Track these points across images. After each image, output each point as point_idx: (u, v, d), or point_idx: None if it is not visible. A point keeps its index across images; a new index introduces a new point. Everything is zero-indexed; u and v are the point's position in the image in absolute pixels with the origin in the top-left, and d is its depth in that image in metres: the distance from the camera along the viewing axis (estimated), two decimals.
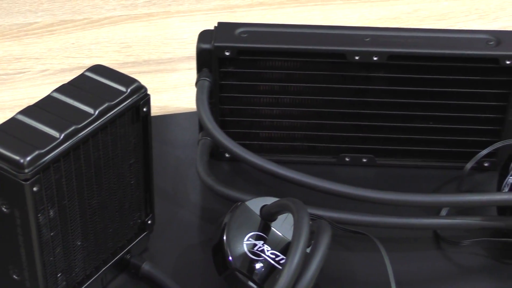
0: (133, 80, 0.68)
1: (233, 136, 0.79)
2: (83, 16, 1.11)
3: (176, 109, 0.96)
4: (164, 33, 1.08)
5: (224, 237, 0.70)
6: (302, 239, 0.63)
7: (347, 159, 0.87)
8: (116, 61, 1.02)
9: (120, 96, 0.66)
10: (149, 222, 0.76)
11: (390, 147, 0.87)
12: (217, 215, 0.75)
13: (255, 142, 0.87)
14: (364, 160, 0.87)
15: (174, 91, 0.98)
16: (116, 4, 1.13)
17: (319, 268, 0.65)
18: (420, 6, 1.14)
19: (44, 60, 1.03)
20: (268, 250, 0.70)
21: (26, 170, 0.60)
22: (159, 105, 0.96)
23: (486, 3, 1.15)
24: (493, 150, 0.83)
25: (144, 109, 0.69)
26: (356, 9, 1.13)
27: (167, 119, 0.94)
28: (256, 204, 0.73)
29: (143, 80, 1.02)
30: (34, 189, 0.61)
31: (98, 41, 1.06)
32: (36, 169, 0.60)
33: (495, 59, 0.80)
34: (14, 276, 0.66)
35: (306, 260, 0.64)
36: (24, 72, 1.01)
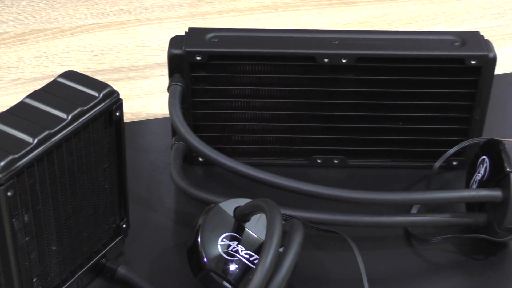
0: (105, 85, 0.69)
1: (206, 140, 0.80)
2: (54, 25, 1.11)
3: (149, 115, 0.96)
4: (135, 41, 1.09)
5: (199, 239, 0.71)
6: (275, 238, 0.64)
7: (318, 161, 0.89)
8: (89, 68, 1.03)
9: (93, 101, 0.67)
10: (124, 226, 0.76)
11: (360, 148, 0.88)
12: (191, 218, 0.76)
13: (228, 146, 0.88)
14: (336, 162, 0.89)
15: (146, 97, 0.99)
16: (87, 13, 1.14)
17: (292, 267, 0.66)
18: (388, 10, 1.16)
19: (16, 69, 1.03)
20: (242, 251, 0.71)
21: (0, 175, 0.60)
22: (132, 111, 0.96)
23: (452, 7, 1.17)
24: (461, 149, 0.85)
25: (117, 114, 0.70)
26: (326, 14, 1.15)
27: (140, 125, 0.95)
28: (229, 206, 0.73)
29: (115, 87, 1.02)
30: (9, 194, 0.61)
31: (70, 50, 1.07)
32: (10, 174, 0.61)
33: (460, 59, 0.82)
34: None
35: (279, 259, 0.65)
36: None
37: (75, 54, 1.06)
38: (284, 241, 0.67)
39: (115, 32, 1.10)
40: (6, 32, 1.10)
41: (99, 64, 1.04)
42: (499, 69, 1.04)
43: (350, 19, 1.14)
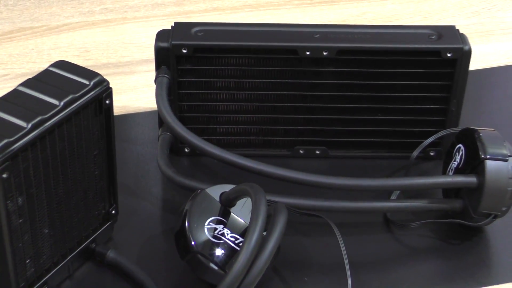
0: (96, 74, 0.71)
1: (193, 132, 0.82)
2: (42, 23, 1.14)
3: (135, 108, 0.99)
4: (121, 38, 1.11)
5: (186, 223, 0.73)
6: (260, 220, 0.67)
7: (301, 152, 0.91)
8: None
9: (84, 89, 0.70)
10: (113, 212, 0.79)
11: (341, 139, 0.91)
12: (178, 206, 0.78)
13: (213, 137, 0.90)
14: (318, 152, 0.91)
15: (133, 92, 1.02)
16: (73, 11, 1.16)
17: (276, 248, 0.68)
18: (367, 9, 1.19)
19: (4, 65, 1.05)
20: (228, 234, 0.74)
21: None
22: (119, 105, 0.98)
23: (429, 5, 1.20)
24: (438, 139, 0.88)
25: (107, 102, 0.72)
26: (307, 13, 1.18)
27: (127, 118, 0.97)
28: (215, 191, 0.76)
29: None
30: (4, 175, 0.63)
31: (57, 47, 1.09)
32: (5, 156, 0.63)
33: (437, 52, 0.85)
34: None
35: (263, 241, 0.67)
36: None
37: (63, 50, 1.08)
38: (268, 225, 0.70)
39: (101, 30, 1.13)
40: None
41: (86, 60, 1.07)
42: (474, 65, 1.07)
43: (331, 18, 1.17)
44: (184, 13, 1.17)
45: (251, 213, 0.68)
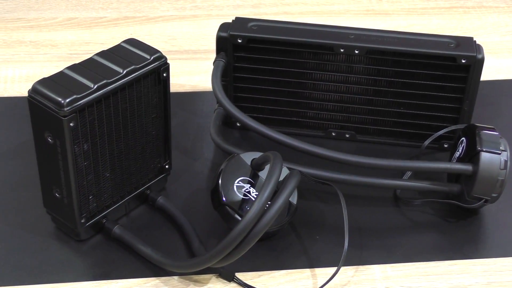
0: (156, 51, 0.75)
1: (244, 110, 0.85)
2: (142, 14, 1.18)
3: (204, 88, 1.02)
4: (204, 31, 1.15)
5: (220, 180, 0.76)
6: (273, 179, 0.68)
7: (333, 134, 0.92)
8: (163, 49, 1.07)
9: (144, 62, 0.73)
10: (167, 166, 0.82)
11: (368, 127, 0.91)
12: None
13: (261, 115, 0.92)
14: (347, 136, 0.92)
15: (204, 74, 1.05)
16: (169, 6, 1.20)
17: (284, 203, 0.69)
18: (416, 22, 1.18)
19: (107, 45, 1.09)
20: (253, 192, 0.76)
21: (65, 109, 0.67)
22: (191, 84, 1.02)
23: (470, 23, 1.18)
24: (450, 133, 0.87)
25: (164, 75, 0.75)
26: (362, 22, 1.18)
27: (196, 95, 1.00)
28: (247, 157, 0.78)
29: (181, 64, 1.08)
30: (71, 124, 0.68)
31: (151, 33, 1.13)
32: (72, 109, 0.67)
33: (453, 58, 0.84)
34: (56, 194, 0.73)
35: (274, 197, 0.69)
36: (91, 53, 1.08)
37: (154, 37, 1.12)
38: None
39: (189, 23, 1.17)
40: (105, 17, 1.18)
41: (172, 46, 1.11)
42: (502, 75, 1.06)
43: (381, 27, 1.16)
44: (259, 14, 1.19)
45: (267, 173, 0.70)
